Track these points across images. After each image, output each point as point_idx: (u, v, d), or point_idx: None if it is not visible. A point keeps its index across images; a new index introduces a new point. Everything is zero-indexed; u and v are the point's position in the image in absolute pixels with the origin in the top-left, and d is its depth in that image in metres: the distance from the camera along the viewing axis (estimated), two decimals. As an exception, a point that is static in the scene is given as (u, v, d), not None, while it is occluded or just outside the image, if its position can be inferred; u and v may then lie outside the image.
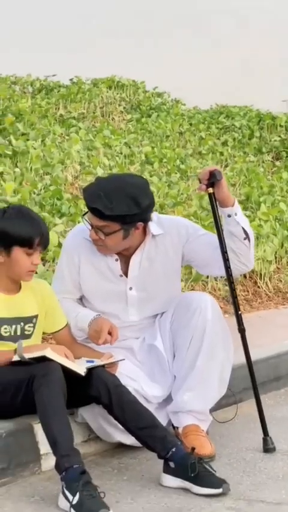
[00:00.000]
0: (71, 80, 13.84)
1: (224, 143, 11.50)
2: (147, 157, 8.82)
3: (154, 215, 3.74)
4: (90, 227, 3.58)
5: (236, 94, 13.87)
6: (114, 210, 3.48)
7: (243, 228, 3.66)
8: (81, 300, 3.82)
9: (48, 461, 3.41)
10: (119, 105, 12.76)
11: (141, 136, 10.52)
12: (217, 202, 3.65)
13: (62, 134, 8.59)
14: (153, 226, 3.70)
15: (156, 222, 3.73)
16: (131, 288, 3.73)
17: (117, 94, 13.28)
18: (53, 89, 13.21)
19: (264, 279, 6.86)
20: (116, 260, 3.71)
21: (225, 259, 3.66)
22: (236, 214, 3.64)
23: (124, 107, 12.70)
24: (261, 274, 6.88)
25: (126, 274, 3.72)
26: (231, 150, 11.20)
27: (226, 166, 10.28)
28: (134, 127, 11.31)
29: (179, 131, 11.49)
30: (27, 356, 3.33)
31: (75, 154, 7.17)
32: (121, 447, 3.65)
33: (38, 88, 13.40)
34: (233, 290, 3.73)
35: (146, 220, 3.63)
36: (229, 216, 3.65)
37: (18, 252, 3.40)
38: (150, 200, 3.60)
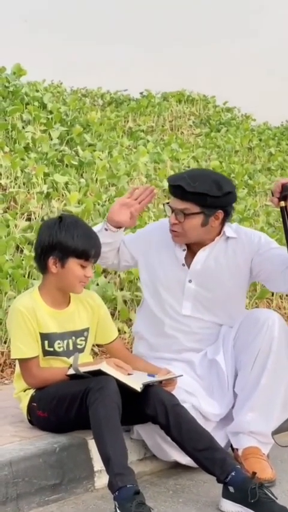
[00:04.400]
0: (141, 93, 13.82)
1: (295, 160, 11.31)
2: (214, 171, 8.70)
3: (234, 224, 3.78)
4: (170, 212, 3.59)
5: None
6: (196, 187, 3.50)
7: None
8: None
9: (102, 479, 3.30)
10: (188, 119, 12.66)
11: (210, 151, 10.40)
12: None
13: (129, 146, 8.52)
14: (228, 230, 3.68)
15: (234, 229, 3.72)
16: (190, 281, 3.66)
17: (187, 108, 13.19)
18: (123, 102, 13.19)
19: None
20: (184, 250, 3.69)
21: None
22: None
23: (193, 122, 12.60)
24: None
25: (189, 266, 3.67)
26: (301, 167, 11.00)
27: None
28: (203, 142, 11.20)
29: (248, 147, 11.34)
30: (83, 369, 3.24)
31: (142, 166, 7.07)
32: (177, 467, 3.52)
33: (108, 101, 13.40)
34: None
35: (226, 209, 3.61)
36: None
37: (73, 264, 3.31)
38: (232, 189, 3.60)
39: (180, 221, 3.56)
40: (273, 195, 3.55)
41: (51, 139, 6.83)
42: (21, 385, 3.45)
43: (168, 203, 3.66)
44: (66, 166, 6.40)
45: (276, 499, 3.03)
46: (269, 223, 7.09)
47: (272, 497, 3.02)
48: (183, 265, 3.67)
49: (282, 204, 3.51)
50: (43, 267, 3.37)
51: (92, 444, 3.29)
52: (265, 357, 3.48)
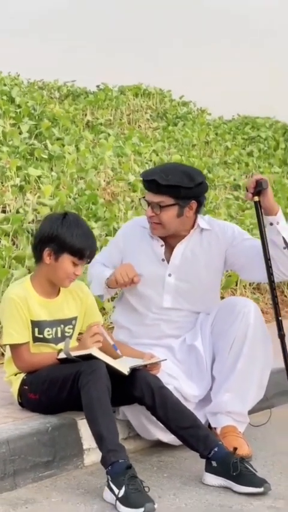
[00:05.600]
0: (97, 86, 13.98)
1: (250, 154, 11.60)
2: (176, 165, 8.92)
3: (206, 216, 3.99)
4: (147, 205, 3.78)
5: (258, 105, 13.98)
6: (170, 180, 3.69)
7: (283, 238, 3.76)
8: None
9: (91, 456, 3.52)
10: (146, 113, 12.87)
11: (169, 144, 10.63)
12: (262, 210, 3.75)
13: (93, 140, 8.70)
14: (202, 221, 3.87)
15: (207, 221, 3.91)
16: (170, 275, 3.85)
17: (144, 101, 13.40)
18: (79, 95, 13.34)
19: (289, 288, 6.95)
20: (162, 246, 3.87)
21: (268, 266, 3.75)
22: (278, 223, 3.75)
23: (150, 115, 12.82)
24: (285, 283, 6.96)
25: (168, 261, 3.86)
26: (257, 161, 11.30)
27: (251, 176, 10.37)
28: (161, 135, 11.42)
29: (205, 141, 11.59)
30: (74, 354, 3.44)
31: (108, 160, 7.27)
32: (158, 446, 3.75)
33: (64, 94, 13.52)
34: (274, 297, 3.82)
35: (199, 200, 3.80)
36: (271, 224, 3.75)
37: (66, 260, 3.50)
38: (203, 180, 3.79)
39: (157, 213, 3.75)
40: (247, 190, 3.79)
41: (21, 133, 6.99)
42: (11, 369, 3.64)
43: (144, 197, 3.86)
44: (37, 159, 6.58)
45: (256, 472, 3.27)
46: (231, 215, 7.34)
47: (253, 470, 3.26)
48: (163, 260, 3.87)
49: (256, 198, 3.75)
50: (38, 256, 3.55)
51: (81, 424, 3.52)
52: (241, 342, 3.71)
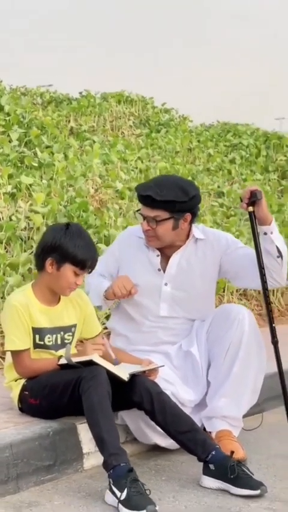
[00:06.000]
0: (80, 93, 14.07)
1: (232, 161, 11.73)
2: (161, 172, 9.02)
3: (200, 225, 4.08)
4: (142, 219, 3.87)
5: (237, 112, 14.15)
6: (164, 196, 3.77)
7: (277, 247, 3.87)
8: None
9: (90, 460, 3.61)
10: (128, 119, 12.97)
11: (152, 151, 10.73)
12: (256, 221, 3.85)
13: (80, 147, 8.79)
14: (196, 231, 3.97)
15: (201, 230, 4.02)
16: (166, 284, 3.95)
17: (127, 108, 13.50)
18: (62, 101, 13.42)
19: (276, 295, 7.08)
20: (158, 256, 3.96)
21: (263, 275, 3.86)
22: (272, 233, 3.86)
23: (133, 122, 12.92)
24: (273, 291, 7.09)
25: (164, 270, 3.96)
26: (239, 168, 11.43)
27: (233, 183, 10.50)
28: (144, 142, 11.52)
29: (188, 148, 11.71)
30: (75, 359, 3.52)
31: (96, 168, 7.37)
32: (155, 450, 3.84)
33: (47, 100, 13.60)
34: (268, 304, 3.93)
35: (193, 212, 3.89)
36: (265, 233, 3.85)
37: (68, 269, 3.58)
38: (197, 192, 3.89)
39: (153, 227, 3.84)
40: (242, 201, 3.89)
41: (11, 141, 7.07)
42: (12, 375, 3.71)
43: (139, 210, 3.94)
44: (27, 167, 6.66)
45: (253, 475, 3.37)
46: (216, 222, 7.45)
47: (249, 473, 3.36)
48: (159, 270, 3.96)
49: (251, 209, 3.85)
50: (40, 265, 3.63)
51: (81, 429, 3.60)
52: (236, 349, 3.81)
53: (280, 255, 3.87)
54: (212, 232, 4.08)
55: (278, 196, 10.61)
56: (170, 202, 3.79)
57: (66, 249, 3.55)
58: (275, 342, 3.90)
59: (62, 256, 3.56)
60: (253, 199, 3.82)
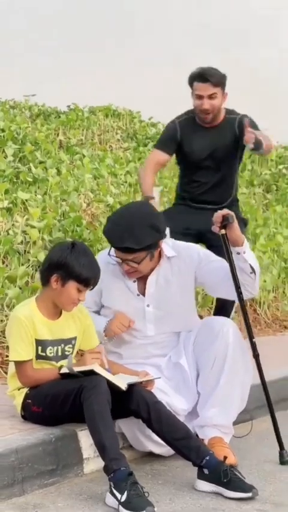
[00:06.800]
0: (68, 106, 14.26)
1: (218, 175, 11.91)
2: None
3: (170, 240, 4.26)
4: (120, 261, 4.06)
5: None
6: (142, 243, 3.97)
7: (250, 264, 4.06)
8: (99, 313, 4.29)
9: (90, 465, 3.81)
10: (116, 133, 13.16)
11: (140, 165, 10.92)
12: (229, 242, 4.02)
13: (71, 162, 8.98)
14: (167, 250, 4.18)
15: (171, 246, 4.22)
16: (148, 305, 4.17)
17: (114, 122, 13.70)
18: (50, 114, 13.60)
19: (263, 308, 7.31)
20: (134, 282, 4.17)
21: (239, 293, 4.05)
22: (244, 252, 4.03)
23: (121, 136, 13.11)
24: (260, 303, 7.33)
25: (143, 294, 4.17)
26: (225, 182, 11.61)
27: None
28: (132, 156, 11.71)
29: (175, 162, 11.88)
30: (76, 369, 3.72)
31: (88, 182, 7.58)
32: (150, 456, 4.05)
33: (36, 113, 13.77)
34: (247, 321, 4.14)
35: (163, 238, 4.10)
36: (238, 253, 4.03)
37: (72, 286, 3.78)
38: (163, 222, 4.08)
39: (134, 267, 4.05)
40: (213, 224, 4.03)
41: (6, 157, 7.28)
42: (15, 384, 3.91)
43: (115, 255, 4.07)
44: (22, 182, 6.86)
45: (245, 478, 3.58)
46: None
47: (241, 477, 3.58)
48: (138, 295, 4.17)
49: (223, 231, 4.01)
50: (45, 280, 3.83)
51: (81, 436, 3.80)
52: (222, 361, 4.02)
53: (253, 271, 4.07)
54: (182, 247, 4.25)
55: (263, 209, 10.84)
56: (149, 245, 4.00)
57: (71, 267, 3.75)
58: (256, 355, 4.10)
59: (67, 274, 3.76)
60: (225, 222, 3.99)
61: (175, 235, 4.61)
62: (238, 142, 5.37)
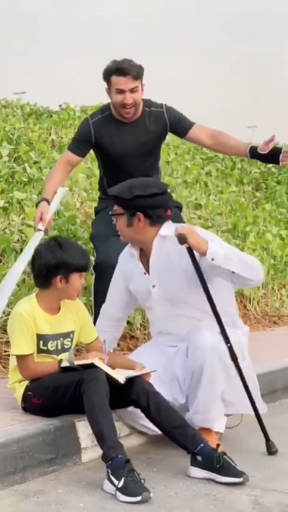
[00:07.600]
0: (60, 106, 14.40)
1: (208, 174, 12.11)
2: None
3: (179, 224, 4.29)
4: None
5: (211, 123, 14.55)
6: (112, 191, 4.21)
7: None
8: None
9: (87, 454, 3.99)
10: (107, 132, 13.29)
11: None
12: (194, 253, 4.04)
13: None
14: (165, 229, 4.18)
15: (171, 226, 4.20)
16: (154, 286, 4.28)
17: (106, 121, 13.81)
18: (42, 114, 13.74)
19: (253, 303, 7.50)
20: (139, 261, 4.33)
21: (214, 306, 4.09)
22: (213, 259, 3.98)
23: (112, 135, 13.24)
24: (250, 299, 7.52)
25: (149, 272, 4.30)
26: (215, 180, 11.81)
27: (209, 195, 10.88)
28: (123, 155, 11.86)
29: (166, 160, 12.06)
30: (77, 362, 3.90)
31: (81, 182, 7.74)
32: (146, 445, 4.25)
33: (28, 113, 13.90)
34: (223, 329, 4.09)
35: (145, 212, 4.09)
36: (212, 259, 4.00)
37: (75, 278, 4.00)
38: (144, 193, 4.06)
39: (115, 222, 4.24)
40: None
41: (1, 157, 7.43)
42: (16, 377, 4.08)
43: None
44: (17, 182, 7.02)
45: (236, 465, 3.77)
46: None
47: (233, 463, 3.76)
48: (145, 273, 4.30)
49: (186, 245, 4.00)
50: (47, 284, 4.01)
51: (79, 426, 3.98)
52: (198, 377, 4.01)
53: (233, 271, 4.00)
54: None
55: (253, 207, 11.04)
56: (115, 197, 4.18)
57: (71, 263, 3.96)
58: (235, 359, 4.08)
59: (69, 270, 3.97)
60: (180, 241, 4.00)
61: (113, 239, 4.72)
62: (166, 132, 5.25)
